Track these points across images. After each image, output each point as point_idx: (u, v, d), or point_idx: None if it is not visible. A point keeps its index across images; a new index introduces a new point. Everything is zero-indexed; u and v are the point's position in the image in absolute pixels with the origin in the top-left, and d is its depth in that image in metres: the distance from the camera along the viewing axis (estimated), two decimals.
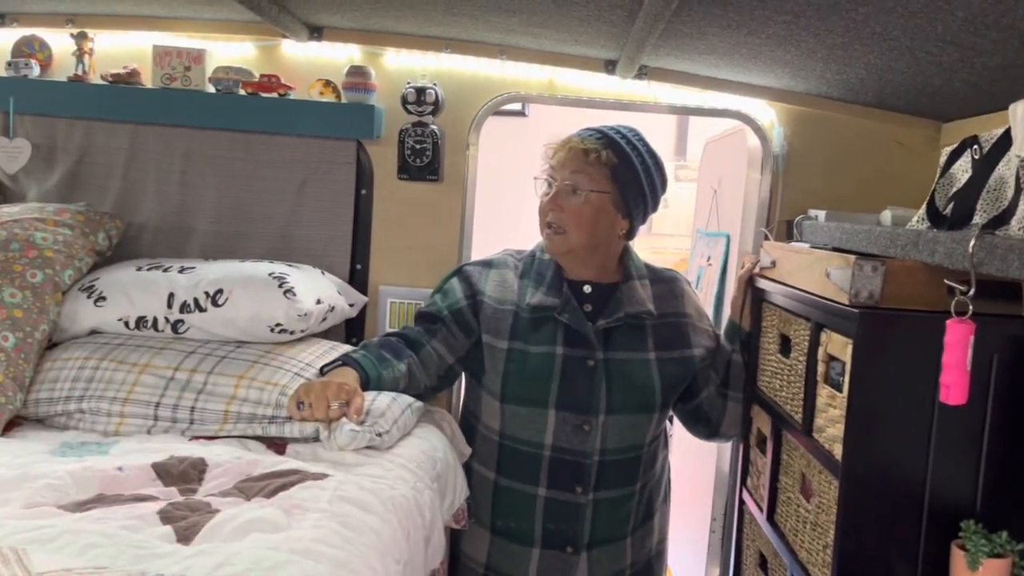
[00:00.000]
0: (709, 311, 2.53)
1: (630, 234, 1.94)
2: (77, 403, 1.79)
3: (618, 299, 1.89)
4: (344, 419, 1.64)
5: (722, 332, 2.09)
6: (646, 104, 2.37)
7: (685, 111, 2.49)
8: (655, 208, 1.95)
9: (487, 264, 1.99)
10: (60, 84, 2.28)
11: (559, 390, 1.83)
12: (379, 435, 1.67)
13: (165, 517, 1.33)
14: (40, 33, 2.35)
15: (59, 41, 2.33)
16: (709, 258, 2.72)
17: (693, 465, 2.79)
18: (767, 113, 2.33)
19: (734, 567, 2.23)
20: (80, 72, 2.28)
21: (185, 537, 1.28)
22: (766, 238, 2.22)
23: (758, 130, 2.33)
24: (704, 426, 2.06)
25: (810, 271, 1.70)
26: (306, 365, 1.87)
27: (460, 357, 1.92)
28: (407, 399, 1.81)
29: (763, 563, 2.00)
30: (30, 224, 1.98)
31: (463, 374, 2.02)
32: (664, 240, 4.68)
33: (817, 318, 1.64)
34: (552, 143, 1.89)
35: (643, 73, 2.29)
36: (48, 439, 1.72)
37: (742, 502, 2.17)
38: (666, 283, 2.00)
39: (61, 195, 2.30)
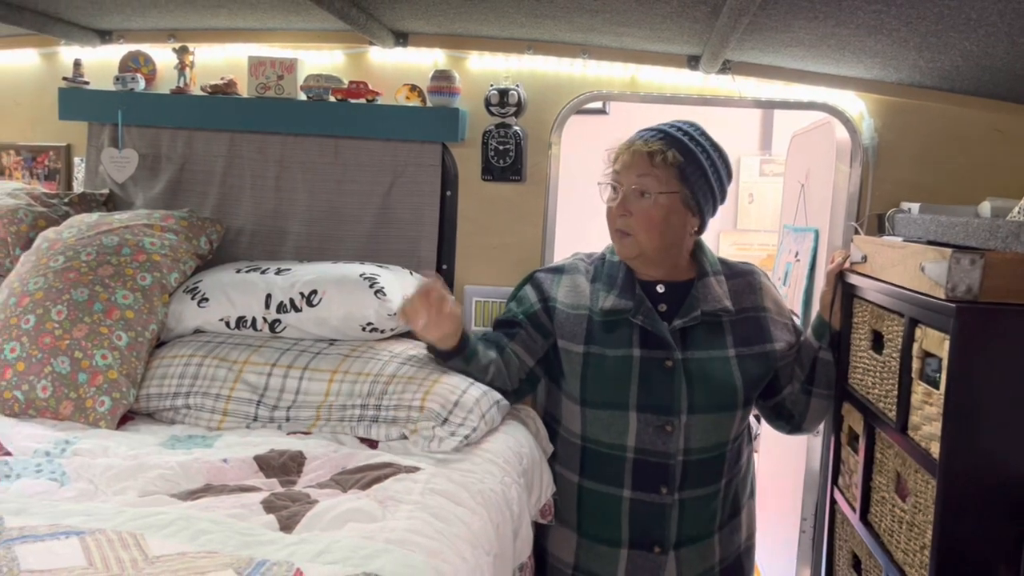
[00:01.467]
0: (797, 308, 2.49)
1: (700, 230, 1.93)
2: (184, 399, 1.89)
3: (694, 297, 1.87)
4: (435, 427, 1.70)
5: (810, 329, 2.05)
6: (730, 99, 2.35)
7: (770, 105, 2.45)
8: (723, 200, 1.92)
9: (558, 270, 2.00)
10: (164, 96, 2.41)
11: (639, 392, 1.83)
12: (466, 437, 1.71)
13: (268, 506, 1.40)
14: (144, 48, 2.48)
15: (162, 55, 2.46)
16: (797, 254, 2.67)
17: (782, 464, 2.75)
18: (856, 104, 2.28)
19: (826, 568, 2.19)
20: (182, 84, 2.40)
21: (287, 526, 1.34)
22: (856, 232, 2.17)
23: (847, 122, 2.28)
24: (786, 422, 2.03)
25: (904, 265, 1.66)
26: (396, 354, 1.93)
27: (539, 359, 1.94)
28: (495, 395, 1.85)
29: (856, 564, 1.96)
30: (139, 230, 2.10)
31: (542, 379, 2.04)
32: (749, 236, 4.60)
33: (911, 313, 1.60)
34: (613, 147, 1.88)
35: (727, 68, 2.26)
36: (158, 432, 1.82)
37: (833, 501, 2.13)
38: (742, 277, 1.96)
39: (165, 202, 2.42)
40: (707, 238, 2.03)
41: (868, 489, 1.85)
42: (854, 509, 1.92)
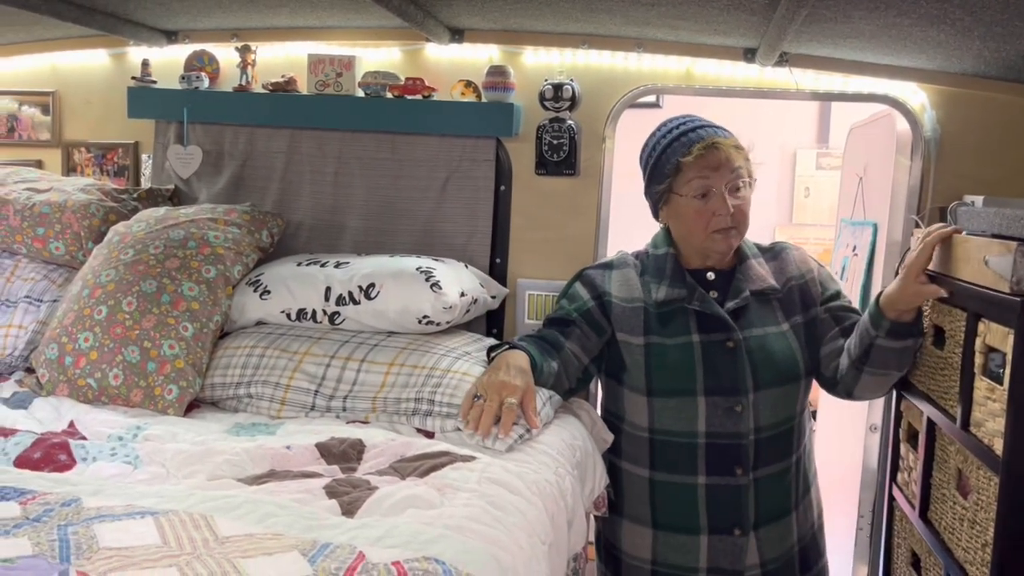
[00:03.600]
0: (855, 302, 2.45)
1: None
2: (246, 388, 1.95)
3: (739, 279, 1.90)
4: (495, 430, 1.71)
5: (866, 314, 1.93)
6: (787, 91, 2.33)
7: (829, 97, 2.42)
8: None
9: (607, 266, 2.01)
10: (227, 94, 2.48)
11: (705, 376, 1.84)
12: (520, 437, 1.73)
13: (330, 492, 1.45)
14: (208, 48, 2.55)
15: (225, 54, 2.53)
16: (855, 248, 2.64)
17: (839, 462, 2.71)
18: (917, 96, 2.24)
19: (884, 566, 2.16)
20: (244, 82, 2.46)
21: (349, 511, 1.38)
22: (917, 226, 2.13)
23: (908, 114, 2.24)
24: (830, 388, 1.94)
25: (966, 259, 1.63)
26: (451, 349, 1.96)
27: (594, 357, 1.95)
28: (547, 391, 1.87)
29: (915, 562, 1.93)
30: (204, 224, 2.17)
31: (599, 378, 2.05)
32: (805, 230, 4.54)
33: (974, 308, 1.58)
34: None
35: (784, 60, 2.24)
36: (223, 420, 1.89)
37: (892, 499, 2.10)
38: (778, 255, 1.99)
39: (228, 196, 2.49)
40: (762, 232, 2.03)
41: (928, 486, 1.82)
42: (913, 506, 1.89)
